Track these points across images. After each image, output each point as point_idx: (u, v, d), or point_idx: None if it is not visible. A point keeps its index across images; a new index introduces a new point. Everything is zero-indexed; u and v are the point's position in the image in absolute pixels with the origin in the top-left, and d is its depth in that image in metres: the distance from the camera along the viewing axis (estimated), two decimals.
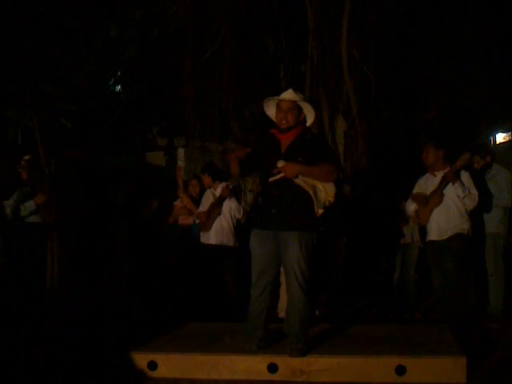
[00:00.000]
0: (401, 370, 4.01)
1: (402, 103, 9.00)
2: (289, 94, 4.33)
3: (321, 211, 4.25)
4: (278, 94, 4.39)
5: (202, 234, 6.19)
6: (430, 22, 8.48)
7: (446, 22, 8.52)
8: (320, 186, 4.24)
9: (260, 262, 4.25)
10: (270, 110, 4.45)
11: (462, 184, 5.22)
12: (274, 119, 4.44)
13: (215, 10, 7.79)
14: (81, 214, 9.53)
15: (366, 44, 7.62)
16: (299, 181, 4.20)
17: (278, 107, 4.33)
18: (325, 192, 4.25)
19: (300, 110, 4.34)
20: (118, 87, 10.36)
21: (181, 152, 10.39)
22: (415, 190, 5.63)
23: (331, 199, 4.27)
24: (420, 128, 9.29)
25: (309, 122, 4.43)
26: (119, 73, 9.77)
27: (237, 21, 7.68)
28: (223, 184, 6.04)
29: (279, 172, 4.17)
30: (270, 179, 4.20)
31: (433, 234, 5.46)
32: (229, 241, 6.03)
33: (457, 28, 8.56)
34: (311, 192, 4.20)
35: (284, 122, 4.28)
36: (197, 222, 6.29)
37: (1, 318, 5.93)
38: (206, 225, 6.08)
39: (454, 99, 9.16)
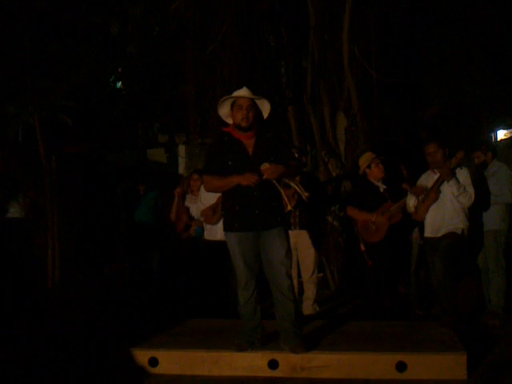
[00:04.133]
0: (401, 367, 4.02)
1: (404, 100, 8.98)
2: (245, 92, 4.30)
3: (289, 207, 4.40)
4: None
5: (206, 230, 6.16)
6: (432, 18, 8.46)
7: (447, 19, 8.50)
8: (292, 183, 4.33)
9: (246, 264, 4.25)
10: (223, 109, 4.41)
11: (457, 182, 5.21)
12: (226, 117, 4.43)
13: (216, 6, 7.76)
14: (81, 210, 9.54)
15: (367, 40, 7.59)
16: (274, 180, 4.25)
17: (237, 105, 4.28)
18: (299, 189, 4.34)
19: (257, 107, 4.34)
20: (119, 84, 10.36)
21: (181, 149, 10.41)
22: None
23: (306, 194, 4.39)
24: (422, 124, 9.28)
25: (265, 115, 4.41)
26: (120, 69, 9.76)
27: (238, 17, 7.66)
28: None
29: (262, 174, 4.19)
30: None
31: (428, 231, 5.47)
32: None
33: (458, 25, 8.54)
34: (282, 190, 4.29)
35: (245, 120, 4.25)
36: (201, 219, 6.24)
37: (1, 316, 5.95)
38: (213, 219, 6.04)
39: (456, 96, 9.14)
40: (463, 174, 5.28)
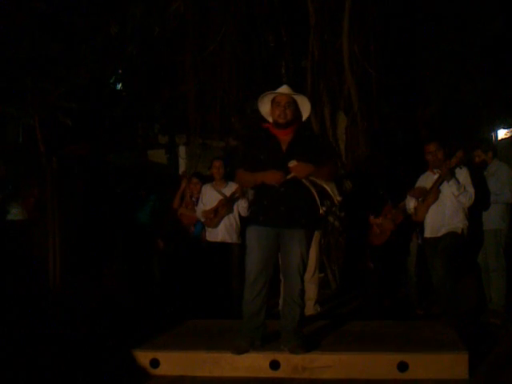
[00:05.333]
0: (403, 367, 4.01)
1: (404, 99, 8.97)
2: (285, 89, 4.32)
3: (322, 210, 4.28)
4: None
5: (208, 231, 6.16)
6: (432, 17, 8.46)
7: (447, 18, 8.50)
8: (325, 185, 4.28)
9: (259, 260, 4.23)
10: (264, 107, 4.42)
11: (457, 182, 5.22)
12: (267, 116, 4.43)
13: (216, 7, 7.76)
14: (82, 212, 9.54)
15: (367, 40, 7.60)
16: (305, 180, 4.22)
17: (275, 102, 4.30)
18: (332, 192, 4.29)
19: (296, 105, 4.34)
20: (119, 85, 10.35)
21: (182, 149, 10.41)
22: None
23: (339, 198, 4.33)
24: (422, 123, 9.28)
25: (305, 116, 4.42)
26: (120, 71, 9.76)
27: (237, 17, 7.67)
28: (235, 184, 6.03)
29: (289, 171, 4.17)
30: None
31: (428, 231, 5.48)
32: (237, 238, 6.01)
33: (458, 23, 8.53)
34: (314, 191, 4.23)
35: (282, 116, 4.26)
36: (202, 220, 6.24)
37: (2, 317, 5.95)
38: (214, 222, 6.04)
39: (456, 95, 9.14)
40: (463, 174, 5.29)
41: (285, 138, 4.31)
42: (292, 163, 4.15)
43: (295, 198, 4.23)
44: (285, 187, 4.20)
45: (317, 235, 6.09)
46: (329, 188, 4.31)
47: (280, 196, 4.22)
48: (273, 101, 4.33)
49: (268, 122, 4.45)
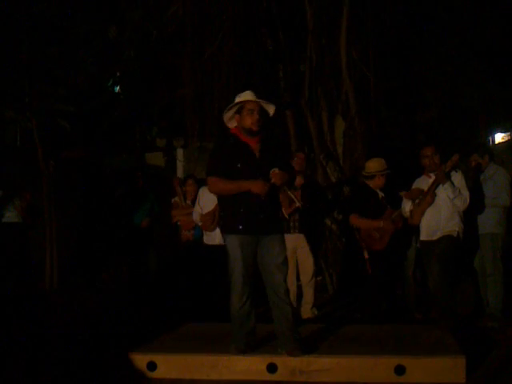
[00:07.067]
0: (400, 370, 4.01)
1: (401, 103, 8.99)
2: (251, 96, 4.27)
3: (286, 215, 4.37)
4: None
5: (206, 235, 6.15)
6: (430, 21, 8.48)
7: (445, 22, 8.52)
8: (289, 192, 4.37)
9: (244, 268, 4.23)
10: (227, 113, 4.36)
11: (452, 185, 5.24)
12: (229, 121, 4.39)
13: (214, 11, 7.78)
14: (80, 215, 9.54)
15: (364, 44, 7.62)
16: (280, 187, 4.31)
17: (248, 109, 4.24)
18: (295, 198, 4.37)
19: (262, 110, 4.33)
20: (117, 88, 10.36)
21: (180, 152, 10.42)
22: None
23: (298, 204, 4.37)
24: (419, 128, 9.30)
25: (271, 113, 4.37)
26: (118, 74, 9.77)
27: (236, 21, 7.68)
28: None
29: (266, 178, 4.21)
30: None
31: (423, 234, 5.50)
32: None
33: (456, 27, 8.56)
34: (283, 198, 4.31)
35: (256, 124, 4.23)
36: (199, 224, 6.22)
37: (0, 318, 5.94)
38: (211, 225, 6.03)
39: (454, 99, 9.15)
40: (458, 177, 5.32)
41: (255, 145, 4.30)
42: (274, 171, 4.19)
43: (272, 205, 4.29)
44: (265, 195, 4.19)
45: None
46: (292, 195, 4.41)
47: (261, 204, 4.21)
48: (242, 108, 4.27)
49: (229, 127, 4.42)
